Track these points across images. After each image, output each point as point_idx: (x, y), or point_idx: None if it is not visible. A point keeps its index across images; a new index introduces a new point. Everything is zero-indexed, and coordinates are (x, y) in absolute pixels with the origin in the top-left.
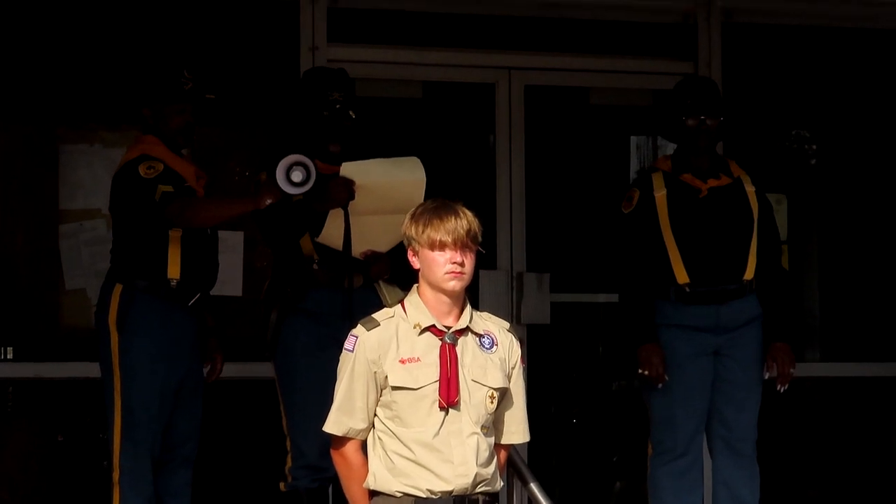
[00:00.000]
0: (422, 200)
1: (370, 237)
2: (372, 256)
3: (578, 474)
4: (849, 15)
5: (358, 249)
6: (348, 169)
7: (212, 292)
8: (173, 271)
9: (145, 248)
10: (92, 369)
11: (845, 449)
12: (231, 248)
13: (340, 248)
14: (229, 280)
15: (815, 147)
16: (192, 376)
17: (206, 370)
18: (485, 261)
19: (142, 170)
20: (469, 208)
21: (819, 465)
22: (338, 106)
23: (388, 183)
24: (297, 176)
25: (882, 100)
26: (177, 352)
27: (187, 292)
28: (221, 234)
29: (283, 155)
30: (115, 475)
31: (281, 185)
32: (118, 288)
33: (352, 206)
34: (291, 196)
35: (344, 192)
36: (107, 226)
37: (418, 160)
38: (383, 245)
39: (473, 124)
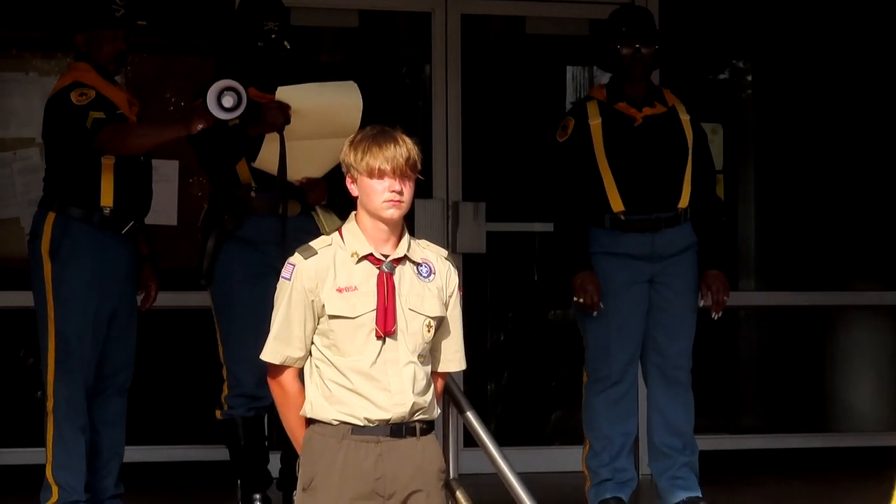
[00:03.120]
0: (358, 125)
1: (307, 162)
2: (309, 183)
3: (515, 402)
4: None
5: (294, 174)
6: (284, 93)
7: (147, 221)
8: (106, 199)
9: (78, 176)
10: (25, 298)
11: (779, 377)
12: (165, 177)
13: (275, 172)
14: (164, 209)
15: (750, 77)
16: (126, 305)
17: (140, 298)
18: (420, 189)
19: (73, 96)
20: (410, 136)
21: (753, 393)
22: (273, 36)
23: (324, 107)
24: (228, 101)
25: (818, 30)
26: (111, 280)
27: (121, 220)
28: (156, 163)
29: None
30: (49, 404)
31: (212, 109)
32: (51, 216)
33: (288, 130)
34: (226, 122)
35: (279, 117)
36: (40, 155)
37: (355, 84)
38: (320, 170)
39: (410, 53)
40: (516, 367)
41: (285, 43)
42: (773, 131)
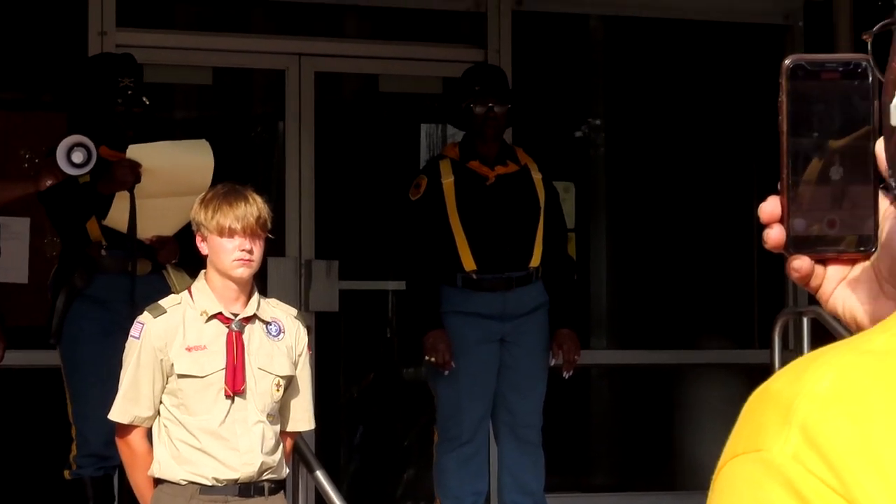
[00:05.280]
0: (209, 184)
1: (157, 220)
2: (159, 241)
3: (368, 462)
4: (638, 4)
5: (145, 233)
6: (135, 151)
7: None
8: None
9: None
10: None
11: (630, 435)
12: (16, 234)
13: (125, 231)
14: (14, 267)
15: (602, 135)
16: None
17: None
18: (273, 248)
19: None
20: (260, 195)
21: (604, 452)
22: (129, 92)
23: (175, 166)
24: (77, 157)
25: (670, 88)
26: None
27: None
28: (7, 220)
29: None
30: None
31: (61, 165)
32: None
33: (138, 188)
34: (76, 179)
35: (129, 174)
36: None
37: (206, 143)
38: (170, 228)
39: (264, 110)
40: (369, 426)
41: (144, 99)
42: (625, 190)
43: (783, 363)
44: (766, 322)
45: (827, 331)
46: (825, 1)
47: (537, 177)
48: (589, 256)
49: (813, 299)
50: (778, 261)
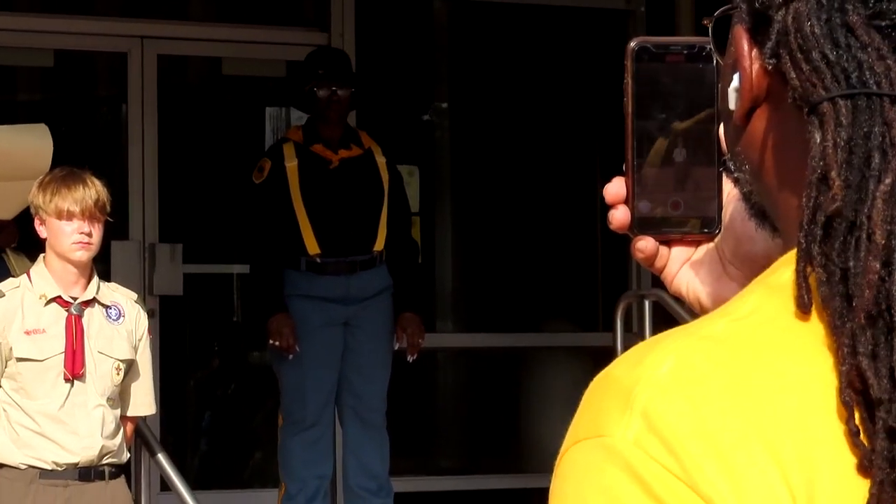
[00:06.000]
0: (48, 167)
1: None
2: None
3: (214, 446)
4: None
5: None
6: None
7: None
8: None
9: None
10: None
11: (476, 418)
12: None
13: None
14: None
15: (448, 119)
16: None
17: None
18: (116, 231)
19: None
20: (100, 178)
21: (450, 435)
22: None
23: (13, 149)
24: None
25: (515, 72)
26: None
27: None
28: None
29: None
30: None
31: None
32: None
33: None
34: None
35: None
36: None
37: (45, 126)
38: (9, 212)
39: (106, 93)
40: (215, 410)
41: None
42: (470, 174)
43: (626, 346)
44: (609, 305)
45: (669, 314)
46: None
47: (381, 160)
48: (434, 240)
49: (655, 282)
50: (621, 244)
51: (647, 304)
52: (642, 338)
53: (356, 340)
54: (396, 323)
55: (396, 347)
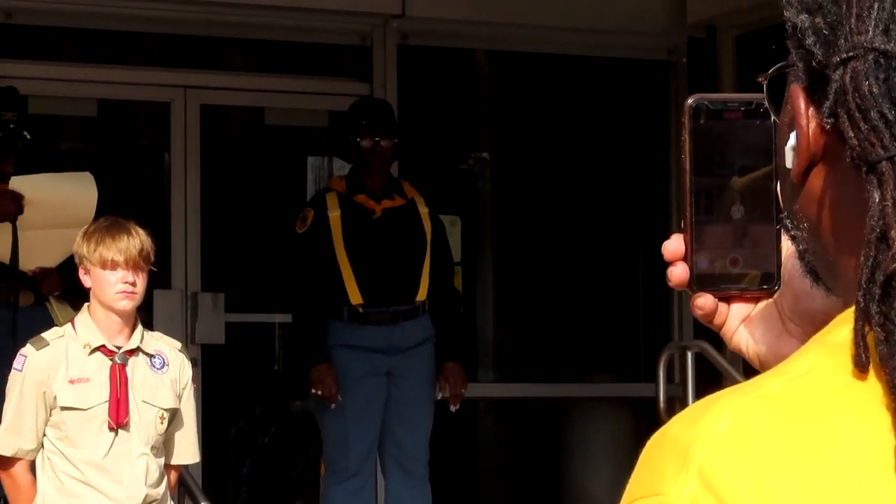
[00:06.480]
0: (92, 216)
1: (40, 252)
2: (42, 272)
3: (255, 494)
4: (523, 39)
5: (28, 264)
6: (18, 183)
7: None
8: None
9: None
10: None
11: (517, 468)
12: None
13: (8, 262)
14: None
15: (489, 169)
16: None
17: None
18: (159, 280)
19: None
20: (143, 227)
21: (491, 485)
22: (11, 126)
23: (58, 197)
24: None
25: (556, 122)
26: None
27: None
28: None
29: None
30: None
31: None
32: None
33: (21, 220)
34: None
35: (11, 205)
36: None
37: (90, 175)
38: (53, 260)
39: (149, 142)
40: (257, 458)
41: (25, 133)
42: (511, 223)
43: (668, 397)
44: (650, 355)
45: (711, 365)
46: (708, 38)
47: (424, 210)
48: (475, 289)
49: (698, 333)
50: (662, 294)
51: (689, 355)
52: (684, 389)
53: (399, 390)
54: (439, 373)
55: (439, 397)
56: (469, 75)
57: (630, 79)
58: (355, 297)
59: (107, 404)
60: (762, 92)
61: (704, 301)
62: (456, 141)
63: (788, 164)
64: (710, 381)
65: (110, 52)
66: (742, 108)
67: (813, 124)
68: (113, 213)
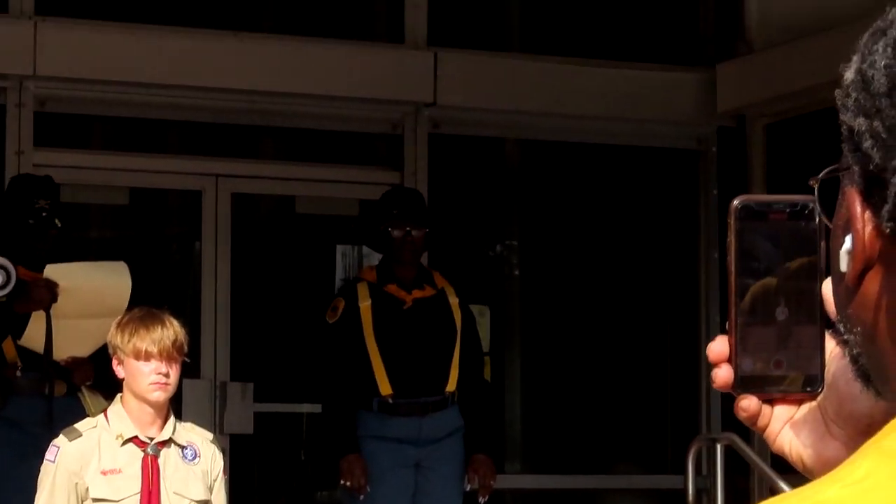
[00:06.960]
0: (126, 305)
1: (73, 341)
2: (74, 362)
3: None
4: (553, 128)
5: (61, 353)
6: (52, 271)
7: None
8: None
9: None
10: None
11: None
12: None
13: (42, 351)
14: None
15: (518, 258)
16: None
17: None
18: (188, 369)
19: None
20: (175, 317)
21: None
22: (44, 214)
23: (92, 286)
24: None
25: (585, 211)
26: None
27: None
28: None
29: None
30: None
31: None
32: None
33: (55, 308)
34: None
35: (46, 294)
36: None
37: (124, 265)
38: (86, 350)
39: (180, 231)
40: None
41: (56, 221)
42: (541, 312)
43: (697, 489)
44: (678, 447)
45: (740, 457)
46: (738, 127)
47: (454, 301)
48: (503, 379)
49: (726, 425)
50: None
51: (718, 447)
52: (713, 481)
53: (427, 482)
54: (468, 464)
55: (468, 489)
56: (499, 163)
57: (660, 167)
58: (385, 387)
59: (139, 496)
60: (798, 186)
61: (749, 403)
62: (486, 229)
63: (843, 267)
64: (739, 473)
65: (142, 140)
66: (787, 210)
67: (869, 228)
68: (142, 301)
